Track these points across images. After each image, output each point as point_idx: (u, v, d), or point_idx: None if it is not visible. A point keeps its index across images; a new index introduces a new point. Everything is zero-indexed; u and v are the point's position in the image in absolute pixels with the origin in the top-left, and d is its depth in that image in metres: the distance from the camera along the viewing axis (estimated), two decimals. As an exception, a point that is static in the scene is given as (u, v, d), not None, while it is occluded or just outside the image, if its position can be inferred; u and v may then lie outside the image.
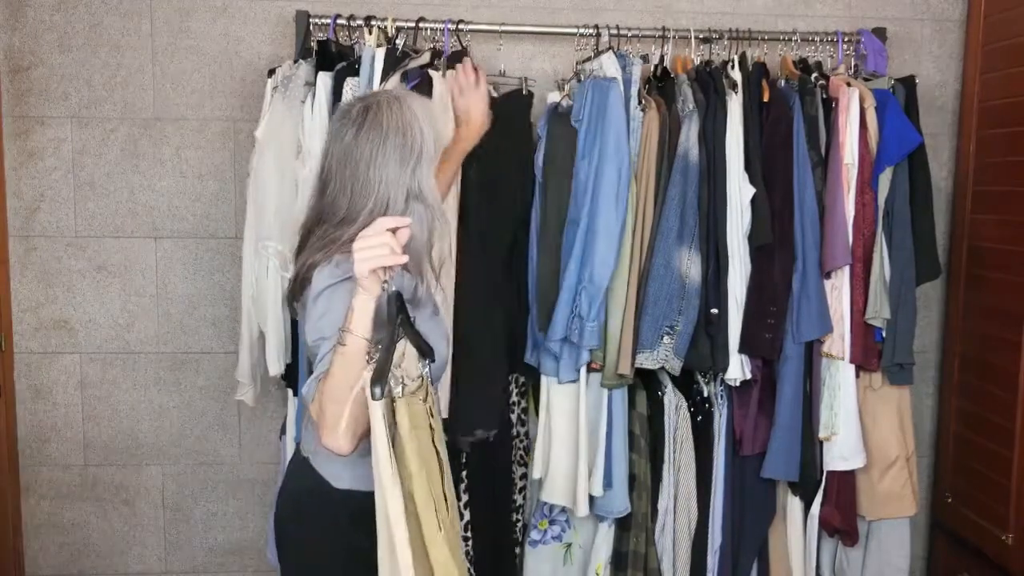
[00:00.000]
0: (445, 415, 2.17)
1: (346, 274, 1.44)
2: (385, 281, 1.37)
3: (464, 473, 2.29)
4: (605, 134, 2.20)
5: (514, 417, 2.42)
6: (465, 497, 2.29)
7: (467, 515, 2.30)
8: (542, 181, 2.31)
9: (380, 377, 1.29)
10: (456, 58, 2.36)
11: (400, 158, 1.51)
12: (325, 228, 1.54)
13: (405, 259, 1.36)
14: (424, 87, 2.22)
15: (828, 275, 2.33)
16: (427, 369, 1.46)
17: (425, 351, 1.46)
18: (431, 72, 2.24)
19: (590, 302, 2.19)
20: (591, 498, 2.29)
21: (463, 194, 2.23)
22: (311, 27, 2.42)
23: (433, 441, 1.42)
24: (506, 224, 2.28)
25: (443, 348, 1.64)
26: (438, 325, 1.64)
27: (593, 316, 2.19)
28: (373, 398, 1.28)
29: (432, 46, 2.40)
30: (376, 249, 1.35)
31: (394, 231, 1.37)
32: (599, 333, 2.22)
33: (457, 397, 2.16)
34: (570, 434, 2.28)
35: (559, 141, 2.28)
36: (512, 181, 2.31)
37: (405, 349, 1.41)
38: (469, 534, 2.29)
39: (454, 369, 2.18)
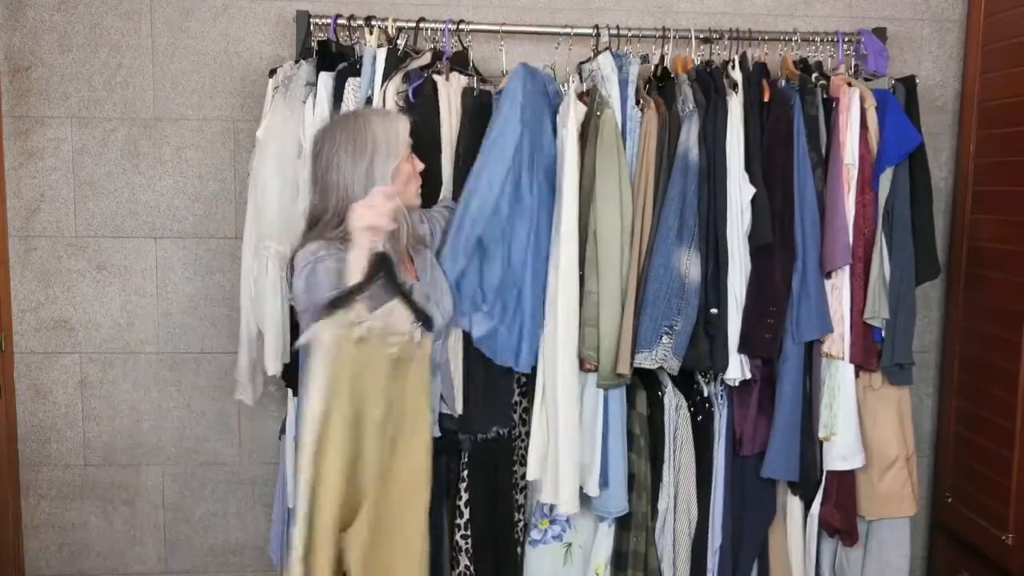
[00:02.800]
0: (461, 411, 2.19)
1: (317, 254, 1.78)
2: (373, 241, 1.68)
3: (465, 472, 2.28)
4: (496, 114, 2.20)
5: (516, 416, 2.42)
6: (465, 496, 2.29)
7: (467, 513, 2.30)
8: None
9: (335, 305, 1.65)
10: (458, 59, 2.36)
11: (353, 161, 1.82)
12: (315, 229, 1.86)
13: (393, 225, 1.72)
14: (427, 89, 2.22)
15: (828, 275, 2.33)
16: (417, 329, 1.77)
17: (420, 316, 1.78)
18: (435, 77, 2.24)
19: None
20: (589, 498, 2.29)
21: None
22: (311, 27, 2.42)
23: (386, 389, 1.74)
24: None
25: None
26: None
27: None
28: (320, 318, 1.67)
29: (433, 46, 2.40)
30: (371, 210, 1.68)
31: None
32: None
33: (474, 395, 2.15)
34: (566, 434, 2.28)
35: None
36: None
37: (394, 306, 1.73)
38: (469, 532, 2.29)
39: (469, 367, 2.18)
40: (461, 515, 2.29)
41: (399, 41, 2.33)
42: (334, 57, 2.34)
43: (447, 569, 2.31)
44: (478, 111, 2.26)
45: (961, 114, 2.71)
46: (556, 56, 2.58)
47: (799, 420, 2.33)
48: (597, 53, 2.37)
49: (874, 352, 2.38)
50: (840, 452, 2.36)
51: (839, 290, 2.33)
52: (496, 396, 2.23)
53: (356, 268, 1.68)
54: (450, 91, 2.24)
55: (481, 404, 2.17)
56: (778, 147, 2.30)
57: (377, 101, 2.22)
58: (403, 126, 1.89)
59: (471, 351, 2.20)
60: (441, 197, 2.21)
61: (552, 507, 2.38)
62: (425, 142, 2.19)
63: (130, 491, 2.73)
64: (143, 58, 2.59)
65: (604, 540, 2.39)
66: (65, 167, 2.61)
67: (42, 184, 2.61)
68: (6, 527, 2.63)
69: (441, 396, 2.01)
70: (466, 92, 2.27)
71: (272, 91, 2.33)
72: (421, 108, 2.21)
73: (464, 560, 2.29)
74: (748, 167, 2.29)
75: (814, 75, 2.40)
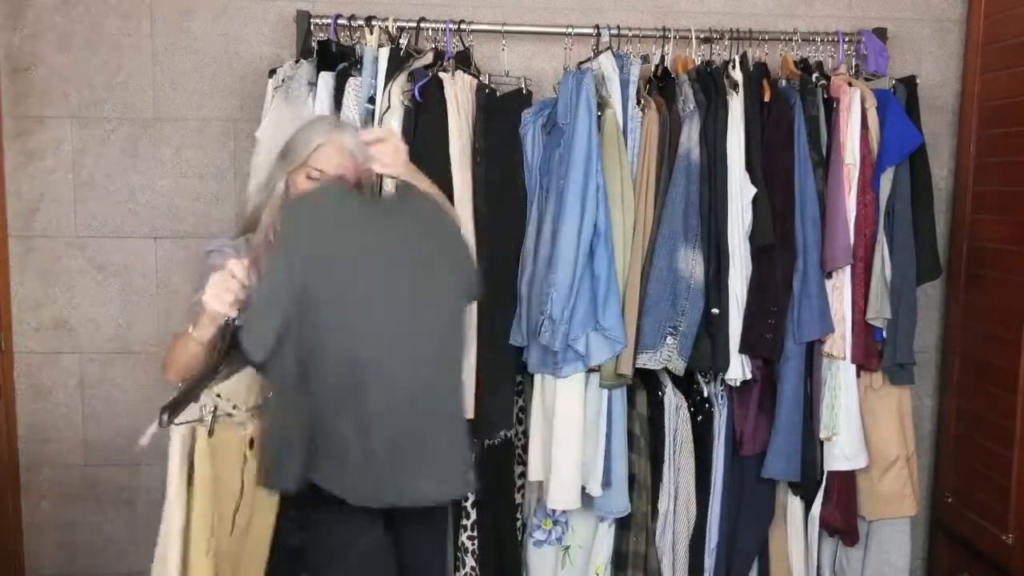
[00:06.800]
0: (471, 416, 2.16)
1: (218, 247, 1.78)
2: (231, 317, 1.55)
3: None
4: (575, 133, 2.20)
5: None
6: (472, 497, 2.29)
7: (474, 514, 2.30)
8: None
9: (175, 406, 1.44)
10: (461, 59, 2.35)
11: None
12: None
13: (233, 312, 1.55)
14: (433, 88, 2.22)
15: (829, 275, 2.33)
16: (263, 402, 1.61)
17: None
18: (441, 74, 2.23)
19: (556, 305, 2.16)
20: (590, 498, 2.29)
21: (472, 195, 2.23)
22: (312, 27, 2.42)
23: (242, 471, 1.55)
24: (512, 224, 2.28)
25: None
26: None
27: (564, 319, 2.15)
28: (160, 425, 1.41)
29: (434, 46, 2.40)
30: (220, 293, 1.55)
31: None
32: (564, 337, 2.16)
33: (482, 400, 2.15)
34: (571, 436, 2.28)
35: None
36: (517, 181, 2.31)
37: (245, 379, 1.58)
38: (475, 533, 2.29)
39: (478, 372, 2.18)
40: (468, 516, 2.29)
41: (401, 41, 2.32)
42: (334, 57, 2.34)
43: (451, 570, 2.31)
44: (495, 108, 2.27)
45: (961, 114, 2.71)
46: (556, 56, 2.58)
47: (800, 420, 2.33)
48: (597, 53, 2.37)
49: (875, 352, 2.38)
50: (843, 452, 2.36)
51: (840, 290, 2.33)
52: (501, 398, 2.23)
53: (206, 328, 1.59)
54: (457, 89, 2.23)
55: (488, 408, 2.17)
56: (779, 147, 2.30)
57: (381, 100, 2.21)
58: None
59: (480, 356, 2.20)
60: (456, 196, 2.18)
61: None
62: (433, 140, 2.19)
63: (130, 491, 2.73)
64: (143, 58, 2.58)
65: (604, 540, 2.39)
66: (65, 167, 2.60)
67: (42, 184, 2.61)
68: (6, 527, 2.63)
69: None
70: (480, 89, 2.27)
71: (272, 91, 2.33)
72: (428, 106, 2.20)
73: (470, 561, 2.29)
74: (749, 167, 2.29)
75: (814, 75, 2.40)
